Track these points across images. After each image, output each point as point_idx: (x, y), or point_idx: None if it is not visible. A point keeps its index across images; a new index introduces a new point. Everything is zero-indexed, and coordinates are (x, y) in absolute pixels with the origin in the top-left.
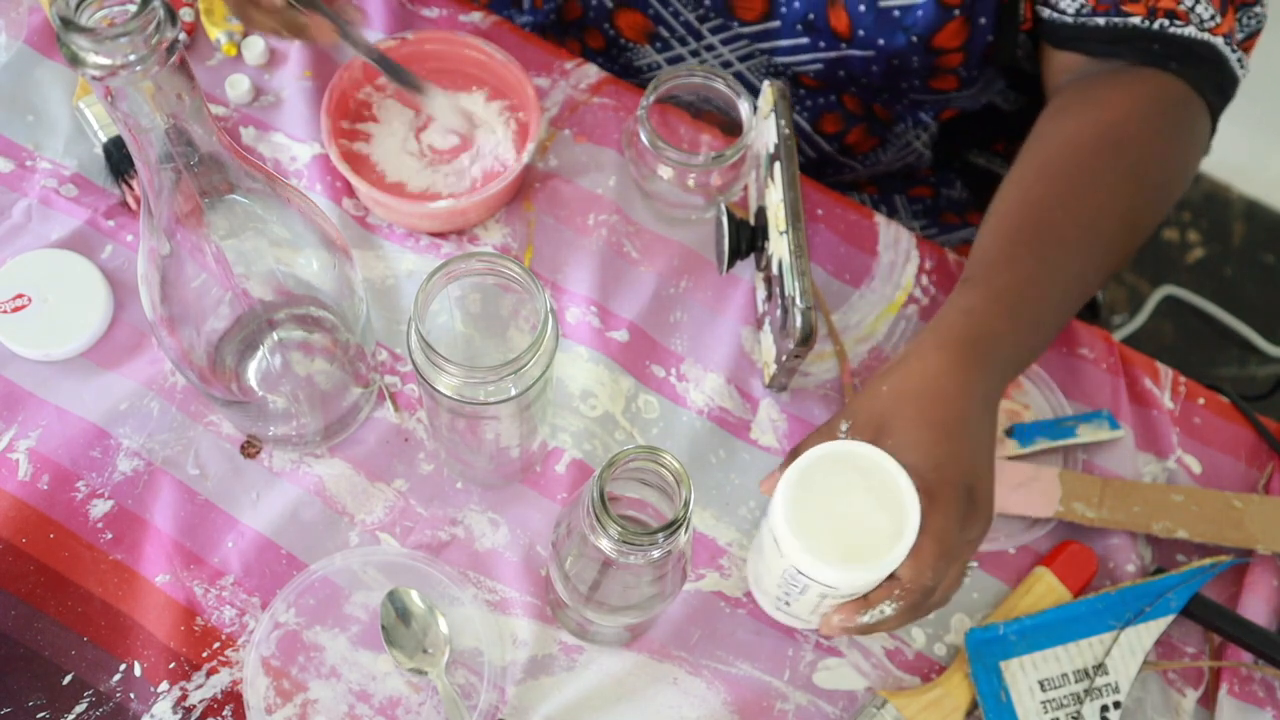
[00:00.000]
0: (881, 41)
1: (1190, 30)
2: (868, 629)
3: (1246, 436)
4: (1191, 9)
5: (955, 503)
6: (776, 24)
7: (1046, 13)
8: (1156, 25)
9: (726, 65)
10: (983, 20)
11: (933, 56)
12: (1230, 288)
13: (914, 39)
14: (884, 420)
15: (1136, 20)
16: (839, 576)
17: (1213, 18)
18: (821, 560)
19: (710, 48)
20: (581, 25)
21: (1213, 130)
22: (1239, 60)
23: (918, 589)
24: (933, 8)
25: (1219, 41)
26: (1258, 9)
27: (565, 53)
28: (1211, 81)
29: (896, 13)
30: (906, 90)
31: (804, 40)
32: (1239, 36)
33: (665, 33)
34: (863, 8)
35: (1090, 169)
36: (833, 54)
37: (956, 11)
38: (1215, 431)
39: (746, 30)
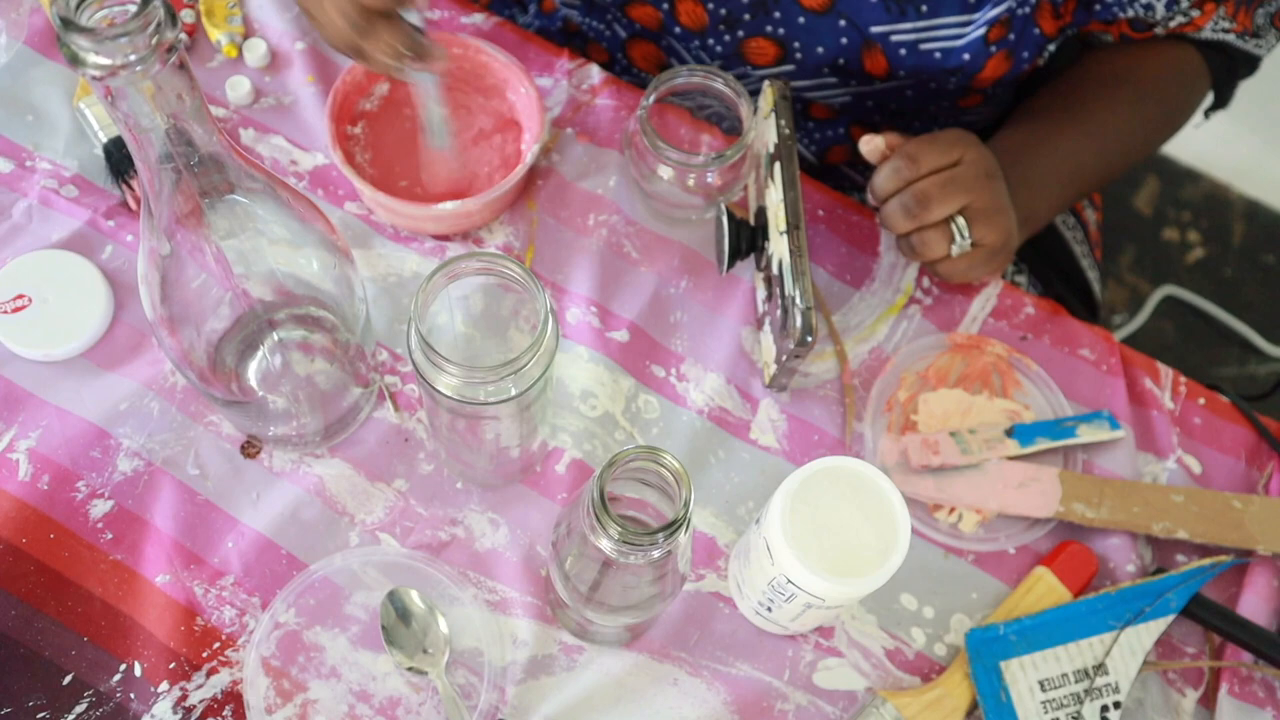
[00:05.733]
0: (924, 76)
1: (1206, 34)
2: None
3: (1246, 436)
4: (1207, 28)
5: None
6: (791, 68)
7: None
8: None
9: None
10: (1025, 54)
11: (971, 81)
12: (1230, 288)
13: (957, 75)
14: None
15: (1160, 31)
16: (828, 588)
17: (1227, 24)
18: (813, 572)
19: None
20: (584, 38)
21: (1228, 95)
22: (1257, 44)
23: (907, 150)
24: (979, 46)
25: (1231, 39)
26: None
27: (567, 53)
28: (1219, 59)
29: (938, 55)
30: (935, 112)
31: (830, 79)
32: (1260, 20)
33: (676, 63)
34: (903, 51)
35: (1097, 86)
36: (865, 88)
37: (994, 48)
38: (1215, 431)
39: (759, 73)
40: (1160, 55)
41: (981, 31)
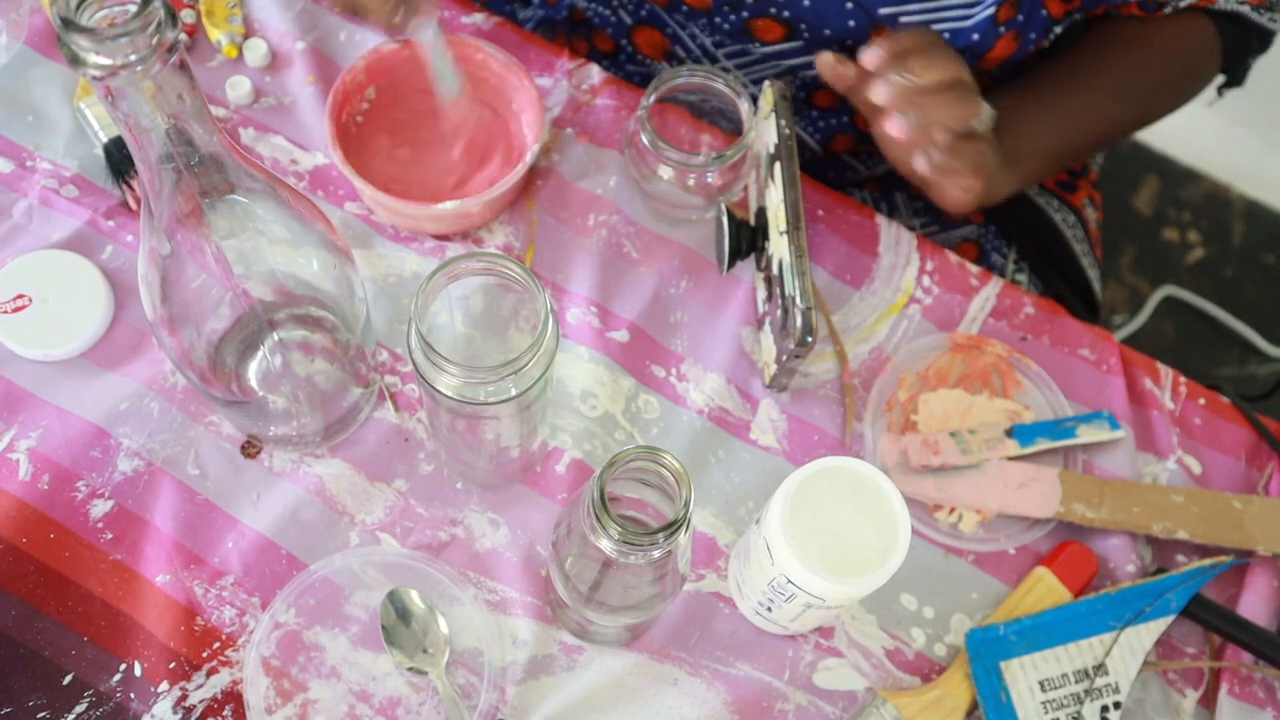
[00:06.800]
0: None
1: (1219, 4)
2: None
3: (1246, 436)
4: None
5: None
6: (799, 44)
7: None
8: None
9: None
10: (1032, 35)
11: (978, 61)
12: (1230, 288)
13: (965, 55)
14: None
15: (1168, 11)
16: (828, 588)
17: None
18: (813, 572)
19: (725, 69)
20: (590, 26)
21: (1242, 73)
22: (1271, 19)
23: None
24: (988, 26)
25: (1246, 10)
26: None
27: (567, 53)
28: (1232, 30)
29: (947, 35)
30: None
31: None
32: None
33: (681, 52)
34: None
35: (1102, 53)
36: None
37: (1003, 29)
38: (1215, 432)
39: (766, 50)
40: (1172, 24)
41: (990, 11)
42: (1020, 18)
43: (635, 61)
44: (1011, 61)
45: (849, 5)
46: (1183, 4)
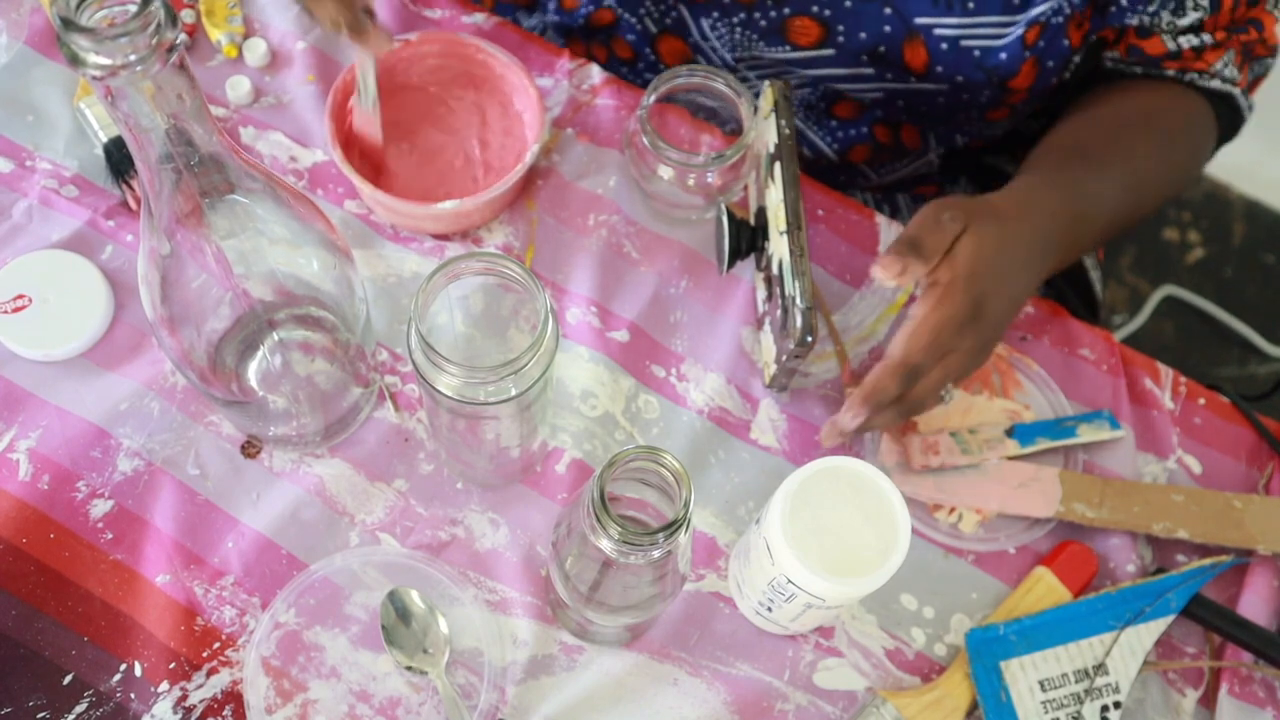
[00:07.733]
0: (960, 78)
1: (1215, 83)
2: (864, 425)
3: (1246, 436)
4: (1220, 71)
5: (961, 302)
6: (831, 52)
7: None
8: (1187, 79)
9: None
10: (1050, 64)
11: (1003, 93)
12: (1230, 288)
13: (992, 79)
14: (970, 220)
15: (1171, 73)
16: (828, 588)
17: (1234, 73)
18: (813, 572)
19: (744, 79)
20: (609, 33)
21: (1214, 150)
22: (1249, 105)
23: (902, 363)
24: (1017, 48)
25: (1237, 93)
26: (1268, 60)
27: (567, 53)
28: (1225, 113)
29: (977, 53)
30: (963, 121)
31: (867, 70)
32: (1249, 80)
33: (702, 60)
34: (944, 45)
35: (1131, 128)
36: (899, 85)
37: (1028, 53)
38: (1215, 431)
39: (794, 56)
40: (1184, 104)
41: (1021, 31)
42: (1042, 44)
43: (655, 71)
44: (1034, 91)
45: (887, 11)
46: (1185, 44)
